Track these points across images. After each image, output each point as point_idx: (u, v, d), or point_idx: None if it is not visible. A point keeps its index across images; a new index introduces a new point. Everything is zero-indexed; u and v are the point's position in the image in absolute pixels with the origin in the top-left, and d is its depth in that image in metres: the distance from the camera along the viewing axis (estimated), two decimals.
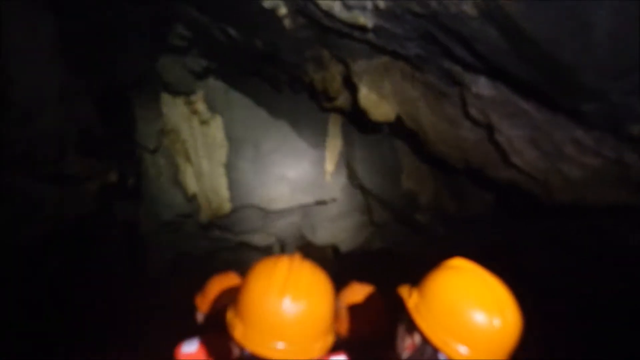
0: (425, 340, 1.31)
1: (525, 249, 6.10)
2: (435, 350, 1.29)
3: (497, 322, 1.23)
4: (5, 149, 5.05)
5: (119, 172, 7.04)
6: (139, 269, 7.94)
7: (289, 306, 1.23)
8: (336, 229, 7.92)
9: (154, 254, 8.17)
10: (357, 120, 5.98)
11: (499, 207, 5.60)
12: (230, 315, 1.35)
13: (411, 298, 1.36)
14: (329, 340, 1.33)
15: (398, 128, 4.93)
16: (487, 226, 6.21)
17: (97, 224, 7.02)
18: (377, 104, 4.42)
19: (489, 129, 3.76)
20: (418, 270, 1.41)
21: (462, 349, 1.24)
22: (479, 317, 1.23)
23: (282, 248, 8.50)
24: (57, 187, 6.01)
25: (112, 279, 7.37)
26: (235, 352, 1.35)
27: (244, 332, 1.27)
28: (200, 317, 2.29)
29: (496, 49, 2.80)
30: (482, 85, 3.47)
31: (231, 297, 2.01)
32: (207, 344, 1.76)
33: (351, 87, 4.72)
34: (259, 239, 8.13)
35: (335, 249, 8.13)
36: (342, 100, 5.36)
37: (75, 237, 6.67)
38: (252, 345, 1.26)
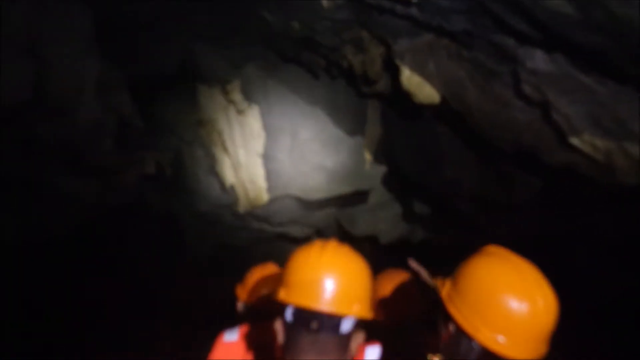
0: (459, 329, 1.28)
1: (572, 240, 5.78)
2: (470, 339, 1.26)
3: (529, 307, 1.19)
4: (43, 140, 5.02)
5: (156, 163, 7.00)
6: (178, 260, 7.93)
7: (328, 262, 1.29)
8: (375, 219, 7.71)
9: (192, 245, 8.14)
10: (397, 106, 5.74)
11: (548, 194, 5.28)
12: (275, 291, 1.37)
13: (444, 287, 1.36)
14: (368, 308, 1.33)
15: (442, 111, 4.68)
16: (534, 215, 5.90)
17: (134, 215, 7.00)
18: (420, 85, 4.18)
19: (544, 107, 3.48)
20: (459, 261, 1.38)
21: (495, 336, 1.22)
22: (510, 303, 1.20)
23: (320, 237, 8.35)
24: (95, 179, 5.99)
25: (150, 270, 7.37)
26: (279, 339, 1.33)
27: (286, 292, 1.31)
28: (240, 306, 2.30)
29: (559, 15, 2.54)
30: (538, 60, 3.21)
31: (271, 287, 2.12)
32: (248, 333, 1.75)
33: (392, 69, 4.49)
34: (296, 230, 8.00)
35: (374, 240, 7.92)
36: (383, 84, 5.14)
37: (113, 228, 6.66)
38: (294, 297, 1.29)
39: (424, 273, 1.82)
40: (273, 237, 8.18)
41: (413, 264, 1.65)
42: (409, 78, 4.20)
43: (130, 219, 7.06)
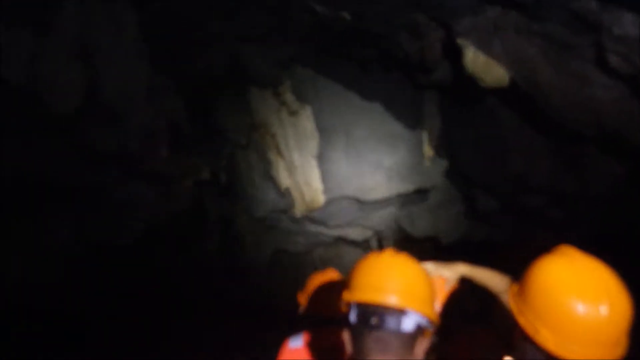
0: (524, 335, 1.24)
1: None
2: (535, 344, 1.21)
3: (594, 312, 1.13)
4: (97, 148, 4.95)
5: (211, 169, 6.89)
6: (236, 266, 7.84)
7: (388, 264, 1.34)
8: (437, 219, 7.34)
9: (250, 251, 8.01)
10: (457, 95, 5.37)
11: (633, 183, 4.77)
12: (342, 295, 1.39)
13: (511, 291, 1.33)
14: (429, 308, 1.33)
15: (510, 95, 4.28)
16: (615, 207, 5.37)
17: (192, 222, 6.91)
18: (487, 67, 3.81)
19: (634, 80, 3.06)
20: (531, 262, 1.31)
21: (560, 340, 1.17)
22: (573, 306, 1.14)
23: (379, 242, 8.05)
24: (151, 186, 5.91)
25: (209, 277, 7.28)
26: (348, 349, 1.32)
27: (349, 292, 1.34)
28: (302, 313, 2.33)
29: None
30: (627, 24, 2.80)
31: (333, 293, 2.09)
32: (312, 339, 1.80)
33: (454, 52, 4.14)
34: (355, 233, 7.72)
35: (435, 241, 7.54)
36: (441, 72, 4.79)
37: (171, 235, 6.58)
38: (355, 295, 1.32)
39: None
40: (331, 240, 7.93)
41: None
42: (474, 60, 3.84)
43: (187, 226, 6.98)
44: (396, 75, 5.69)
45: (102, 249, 5.70)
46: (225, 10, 5.37)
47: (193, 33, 5.53)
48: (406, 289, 1.30)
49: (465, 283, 1.89)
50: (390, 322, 1.27)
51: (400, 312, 1.27)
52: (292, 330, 1.90)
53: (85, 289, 5.40)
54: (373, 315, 1.27)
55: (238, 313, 6.94)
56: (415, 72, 5.00)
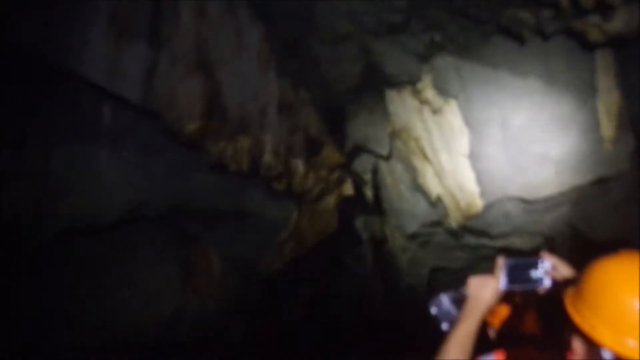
0: (586, 337, 1.11)
1: None
2: (592, 341, 1.09)
3: None
4: (230, 168, 4.55)
5: (354, 183, 6.28)
6: (392, 289, 7.10)
7: None
8: (624, 217, 5.90)
9: (405, 271, 7.21)
10: None
11: None
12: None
13: (567, 293, 1.20)
14: None
15: None
16: None
17: (340, 243, 6.30)
18: None
19: None
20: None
21: (619, 338, 1.06)
22: (633, 302, 1.04)
23: (552, 250, 6.75)
24: (292, 205, 5.43)
25: (364, 302, 6.64)
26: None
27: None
28: (492, 332, 2.20)
29: None
30: None
31: (519, 311, 2.08)
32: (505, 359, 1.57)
33: None
34: (522, 242, 6.55)
35: (623, 244, 6.04)
36: (621, 18, 3.68)
37: (321, 257, 6.02)
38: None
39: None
40: (495, 252, 6.81)
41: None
42: None
43: (336, 247, 6.40)
44: (558, 40, 4.60)
45: (252, 273, 5.31)
46: (352, 7, 4.82)
47: (322, 36, 5.04)
48: None
49: None
50: None
51: None
52: (480, 350, 1.55)
53: (235, 310, 5.00)
54: None
55: (399, 340, 6.16)
56: (585, 26, 3.93)
